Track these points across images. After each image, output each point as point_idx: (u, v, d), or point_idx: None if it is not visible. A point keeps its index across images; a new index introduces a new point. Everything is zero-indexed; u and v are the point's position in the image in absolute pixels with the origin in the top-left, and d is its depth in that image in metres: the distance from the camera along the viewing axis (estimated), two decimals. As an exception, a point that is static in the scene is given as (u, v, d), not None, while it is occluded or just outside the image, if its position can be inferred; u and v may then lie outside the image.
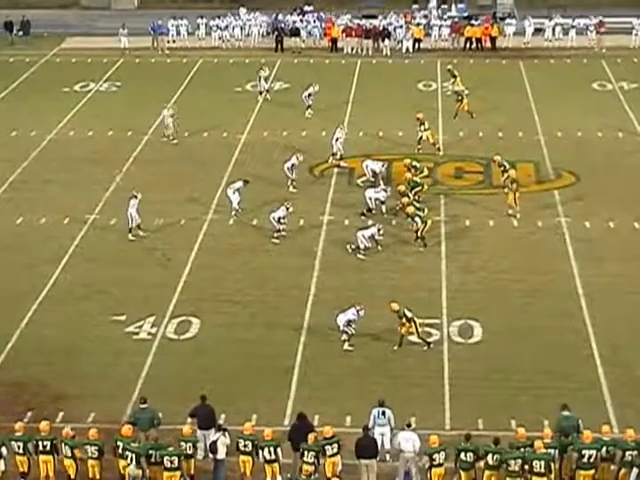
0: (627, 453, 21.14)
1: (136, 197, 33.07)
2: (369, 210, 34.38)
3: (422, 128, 39.40)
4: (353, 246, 32.03)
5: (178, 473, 21.22)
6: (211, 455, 22.20)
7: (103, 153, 40.70)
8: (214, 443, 22.08)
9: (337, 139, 38.72)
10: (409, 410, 23.77)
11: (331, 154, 38.82)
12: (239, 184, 34.65)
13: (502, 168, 35.62)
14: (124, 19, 57.61)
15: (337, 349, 26.97)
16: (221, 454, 22.02)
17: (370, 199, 34.37)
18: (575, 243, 32.67)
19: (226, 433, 22.06)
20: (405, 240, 32.80)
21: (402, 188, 34.02)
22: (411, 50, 54.39)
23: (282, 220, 32.85)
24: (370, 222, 32.92)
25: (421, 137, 39.48)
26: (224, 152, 40.51)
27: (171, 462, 21.19)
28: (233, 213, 34.44)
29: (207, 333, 28.03)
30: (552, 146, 40.74)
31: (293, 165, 36.39)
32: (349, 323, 26.94)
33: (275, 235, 32.85)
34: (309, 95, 44.06)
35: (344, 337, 26.96)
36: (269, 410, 24.26)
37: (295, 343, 27.39)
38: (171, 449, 21.30)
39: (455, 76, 46.17)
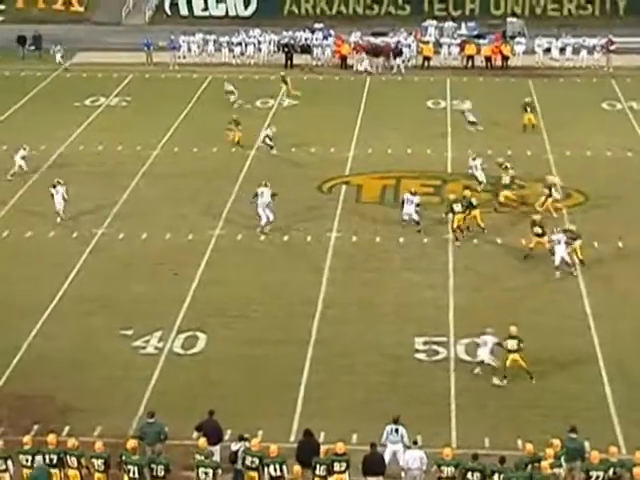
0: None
1: (60, 184, 35.26)
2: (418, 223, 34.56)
3: None
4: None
5: None
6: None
7: (112, 167, 40.84)
8: (235, 453, 22.02)
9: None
10: (415, 428, 23.60)
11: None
12: (267, 199, 34.42)
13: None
14: (135, 34, 57.82)
15: (343, 365, 26.93)
16: (241, 464, 21.91)
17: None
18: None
19: (247, 443, 22.00)
20: (410, 257, 32.81)
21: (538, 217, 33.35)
22: (408, 66, 54.50)
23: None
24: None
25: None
26: (232, 168, 40.57)
27: (206, 474, 21.05)
28: (264, 229, 34.29)
29: (214, 348, 28.00)
30: (561, 165, 40.75)
31: (267, 136, 41.13)
32: (492, 352, 26.35)
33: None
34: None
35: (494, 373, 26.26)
36: (275, 426, 24.18)
37: (302, 359, 27.37)
38: (207, 460, 21.16)
39: (286, 82, 46.74)
